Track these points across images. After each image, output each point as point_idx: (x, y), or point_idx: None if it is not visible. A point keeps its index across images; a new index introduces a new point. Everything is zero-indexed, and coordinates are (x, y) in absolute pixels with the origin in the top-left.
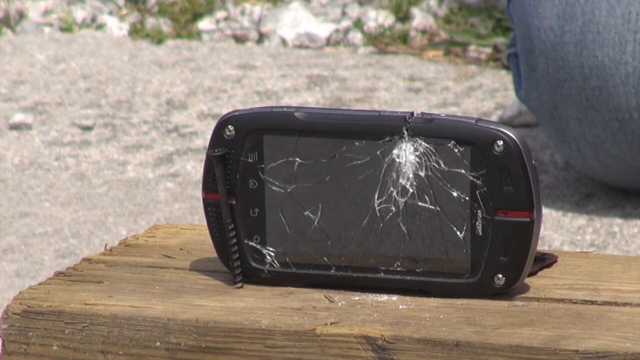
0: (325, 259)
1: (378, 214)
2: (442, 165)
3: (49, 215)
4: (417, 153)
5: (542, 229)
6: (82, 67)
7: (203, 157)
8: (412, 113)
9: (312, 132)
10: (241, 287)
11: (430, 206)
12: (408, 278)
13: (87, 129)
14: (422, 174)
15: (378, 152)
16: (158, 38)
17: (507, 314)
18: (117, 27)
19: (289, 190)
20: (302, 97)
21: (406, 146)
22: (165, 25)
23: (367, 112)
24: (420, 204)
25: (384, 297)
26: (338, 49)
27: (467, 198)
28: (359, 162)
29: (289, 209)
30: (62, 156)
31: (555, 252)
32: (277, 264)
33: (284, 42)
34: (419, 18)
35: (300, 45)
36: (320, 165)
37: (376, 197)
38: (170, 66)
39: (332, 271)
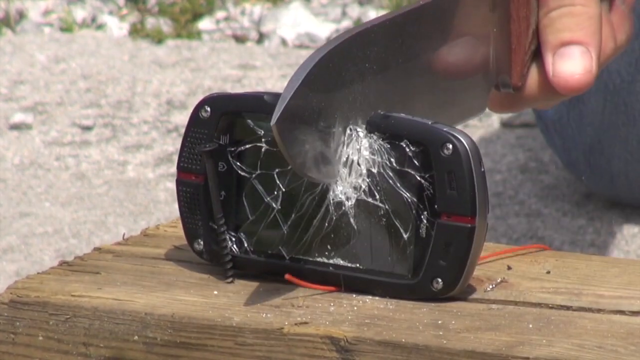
0: (280, 248)
1: (332, 208)
2: (394, 164)
3: (49, 215)
4: (372, 150)
5: (542, 228)
6: (82, 67)
7: None
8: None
9: None
10: (232, 282)
11: (379, 204)
12: (354, 274)
13: (87, 129)
14: (375, 170)
15: None
16: (158, 38)
17: (478, 318)
18: (117, 27)
19: (253, 175)
20: None
21: (362, 142)
22: (165, 25)
23: None
24: (370, 201)
25: (368, 298)
26: None
27: (415, 199)
28: None
29: (252, 195)
30: (62, 156)
31: (558, 252)
32: (236, 249)
33: (284, 42)
34: None
35: (301, 45)
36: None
37: (331, 190)
38: (171, 66)
39: (286, 261)
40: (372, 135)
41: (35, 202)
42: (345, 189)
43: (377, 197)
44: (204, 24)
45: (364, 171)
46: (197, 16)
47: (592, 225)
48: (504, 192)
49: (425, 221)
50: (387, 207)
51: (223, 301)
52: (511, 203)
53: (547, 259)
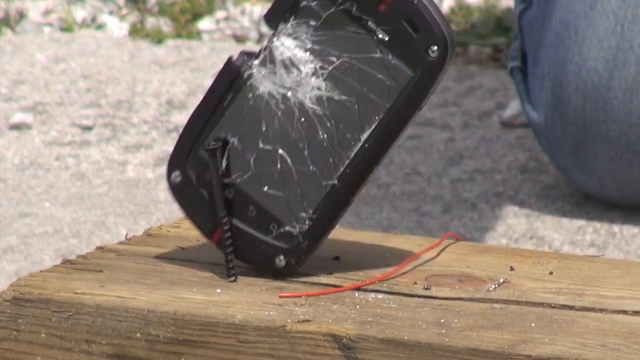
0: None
1: (315, 107)
2: (313, 26)
3: (49, 215)
4: (294, 36)
5: (542, 228)
6: (82, 67)
7: None
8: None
9: None
10: (235, 280)
11: (340, 59)
12: (368, 144)
13: (87, 128)
14: (313, 42)
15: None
16: (158, 38)
17: (481, 317)
18: (117, 27)
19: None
20: None
21: (284, 41)
22: (165, 25)
23: None
24: (332, 65)
25: (371, 295)
26: None
27: (358, 25)
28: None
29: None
30: (62, 156)
31: (561, 254)
32: None
33: None
34: None
35: None
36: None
37: (304, 99)
38: (171, 66)
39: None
40: (282, 27)
41: (35, 202)
42: (310, 85)
43: (335, 59)
44: (204, 24)
45: (307, 54)
46: (197, 16)
47: (592, 225)
48: (504, 192)
49: (378, 30)
50: (346, 54)
51: (226, 299)
52: (511, 203)
53: (549, 260)
